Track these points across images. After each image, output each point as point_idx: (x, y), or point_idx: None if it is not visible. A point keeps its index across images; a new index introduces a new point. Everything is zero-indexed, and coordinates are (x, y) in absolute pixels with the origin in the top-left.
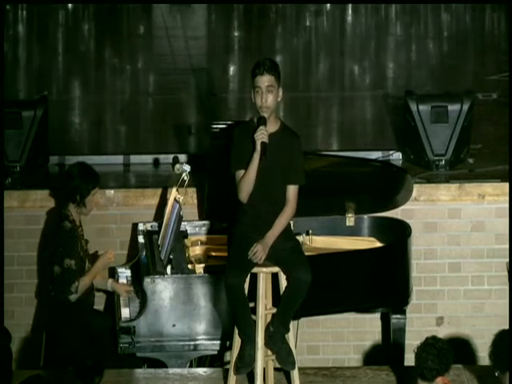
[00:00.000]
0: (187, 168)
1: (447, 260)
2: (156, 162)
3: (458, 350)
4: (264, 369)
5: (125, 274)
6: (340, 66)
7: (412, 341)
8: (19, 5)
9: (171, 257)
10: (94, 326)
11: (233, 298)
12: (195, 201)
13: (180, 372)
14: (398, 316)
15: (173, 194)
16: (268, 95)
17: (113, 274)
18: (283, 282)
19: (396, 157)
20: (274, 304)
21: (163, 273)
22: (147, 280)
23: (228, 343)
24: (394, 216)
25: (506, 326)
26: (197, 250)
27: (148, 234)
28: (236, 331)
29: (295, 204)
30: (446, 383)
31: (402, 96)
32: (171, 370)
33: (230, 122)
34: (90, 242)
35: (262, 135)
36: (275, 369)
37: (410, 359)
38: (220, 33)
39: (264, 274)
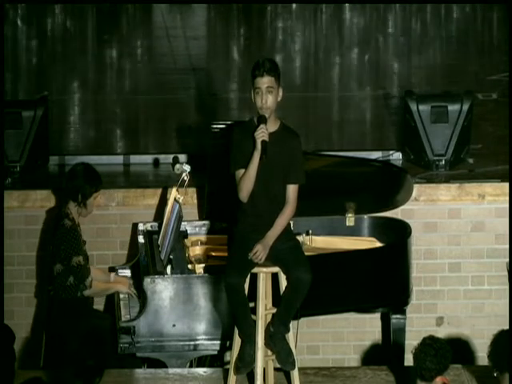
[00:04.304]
0: (187, 168)
1: (447, 260)
2: (156, 162)
3: (457, 349)
4: (264, 369)
5: (125, 274)
6: (340, 65)
7: (412, 341)
8: (19, 4)
9: (171, 257)
10: (93, 326)
11: (233, 298)
12: (195, 201)
13: (180, 372)
14: (398, 316)
15: (173, 194)
16: (268, 96)
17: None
18: (283, 282)
19: (396, 157)
20: (274, 304)
21: (163, 273)
22: (147, 280)
23: (228, 343)
24: (394, 216)
25: (506, 326)
26: (197, 250)
27: (148, 234)
28: (236, 331)
29: (295, 203)
30: (445, 382)
31: (402, 96)
32: (171, 370)
33: (229, 122)
34: (89, 242)
35: (262, 133)
36: (275, 369)
37: (409, 359)
38: (220, 33)
39: (264, 274)
